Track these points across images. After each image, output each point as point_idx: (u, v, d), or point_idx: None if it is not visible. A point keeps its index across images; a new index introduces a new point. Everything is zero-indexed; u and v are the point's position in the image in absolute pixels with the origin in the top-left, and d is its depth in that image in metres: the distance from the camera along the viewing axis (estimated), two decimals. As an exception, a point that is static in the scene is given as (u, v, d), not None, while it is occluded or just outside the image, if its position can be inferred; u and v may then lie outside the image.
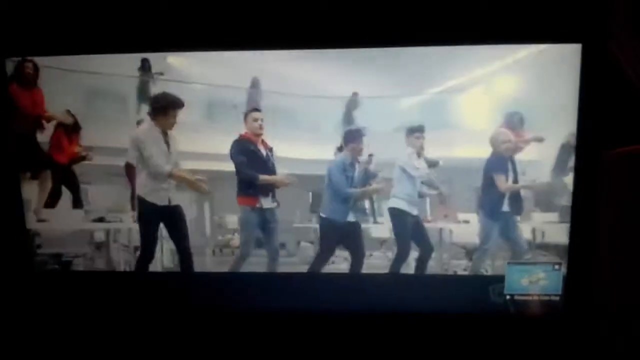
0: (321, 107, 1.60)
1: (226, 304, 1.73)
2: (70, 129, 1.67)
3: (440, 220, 1.79)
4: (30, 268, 1.72)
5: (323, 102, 1.59)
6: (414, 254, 1.76)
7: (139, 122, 1.69)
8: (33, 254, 1.72)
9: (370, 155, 1.72)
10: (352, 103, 1.59)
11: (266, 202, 1.75)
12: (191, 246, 1.74)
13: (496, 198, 1.69)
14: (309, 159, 1.72)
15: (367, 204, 1.85)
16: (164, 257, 1.77)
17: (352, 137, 1.69)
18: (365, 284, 1.71)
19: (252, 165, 1.71)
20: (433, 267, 1.75)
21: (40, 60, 1.60)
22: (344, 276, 1.74)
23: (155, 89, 1.62)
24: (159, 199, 1.72)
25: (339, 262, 1.78)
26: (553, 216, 1.61)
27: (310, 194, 1.82)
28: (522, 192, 1.68)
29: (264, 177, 1.72)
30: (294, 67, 1.58)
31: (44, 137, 1.69)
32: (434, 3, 1.47)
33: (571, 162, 1.53)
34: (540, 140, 1.57)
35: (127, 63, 1.59)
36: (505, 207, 1.70)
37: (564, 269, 1.60)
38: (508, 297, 1.64)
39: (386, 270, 1.74)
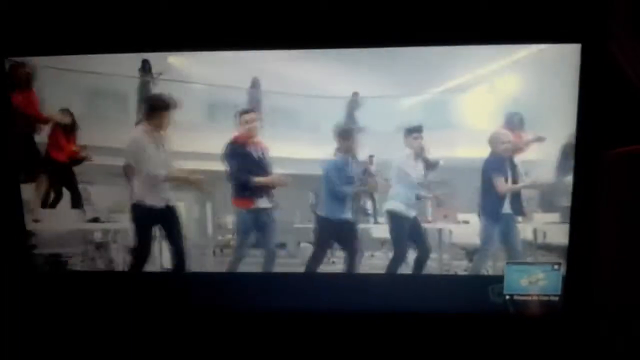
0: (322, 107, 1.60)
1: (226, 303, 1.73)
2: (68, 128, 1.67)
3: (439, 221, 1.78)
4: (28, 268, 1.72)
5: (323, 102, 1.59)
6: (412, 256, 1.75)
7: (137, 123, 1.68)
8: (29, 254, 1.71)
9: (371, 156, 1.72)
10: (353, 103, 1.59)
11: (261, 203, 1.75)
12: (193, 246, 1.74)
13: (497, 200, 1.69)
14: (309, 159, 1.72)
15: (369, 204, 1.86)
16: (163, 257, 1.76)
17: (344, 136, 1.68)
18: (365, 284, 1.70)
19: (245, 168, 1.71)
20: (433, 267, 1.75)
21: (40, 61, 1.59)
22: (343, 276, 1.74)
23: (155, 90, 1.62)
24: (155, 202, 1.72)
25: (340, 262, 1.77)
26: (554, 217, 1.61)
27: (312, 194, 1.81)
28: (524, 192, 1.68)
29: (257, 179, 1.72)
30: (295, 67, 1.58)
31: (42, 138, 1.68)
32: (434, 3, 1.47)
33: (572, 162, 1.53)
34: (541, 140, 1.57)
35: (127, 63, 1.59)
36: (507, 209, 1.70)
37: (563, 269, 1.60)
38: (507, 297, 1.64)
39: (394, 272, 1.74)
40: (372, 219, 1.84)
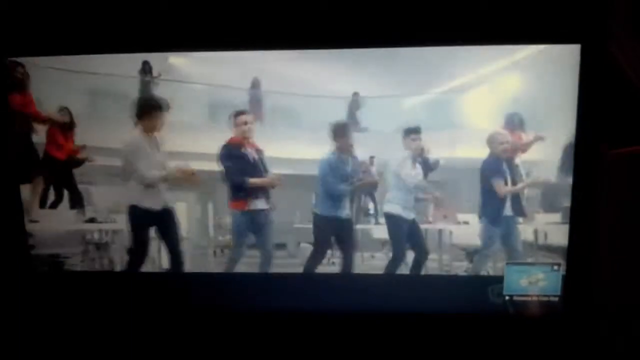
0: (322, 107, 1.60)
1: (225, 304, 1.72)
2: (66, 126, 1.67)
3: (439, 222, 1.78)
4: (26, 269, 1.71)
5: (324, 102, 1.59)
6: (411, 257, 1.75)
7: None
8: (27, 254, 1.71)
9: (372, 157, 1.72)
10: (354, 104, 1.59)
11: (257, 205, 1.75)
12: (194, 247, 1.74)
13: (497, 202, 1.69)
14: (309, 159, 1.71)
15: (370, 205, 1.86)
16: (163, 258, 1.76)
17: (339, 133, 1.68)
18: (365, 284, 1.70)
19: (240, 169, 1.71)
20: (433, 268, 1.75)
21: (41, 61, 1.59)
22: (343, 276, 1.74)
23: (156, 91, 1.62)
24: (152, 204, 1.72)
25: (340, 263, 1.77)
26: (556, 217, 1.60)
27: (315, 194, 1.81)
28: (525, 193, 1.68)
29: (252, 181, 1.72)
30: (295, 67, 1.58)
31: (39, 138, 1.68)
32: (433, 4, 1.47)
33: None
34: (541, 139, 1.57)
35: (128, 64, 1.59)
36: (507, 211, 1.70)
37: (563, 270, 1.60)
38: (507, 297, 1.64)
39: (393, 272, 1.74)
40: (373, 220, 1.84)
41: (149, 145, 1.68)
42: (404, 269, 1.73)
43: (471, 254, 1.72)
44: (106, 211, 1.74)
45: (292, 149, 1.69)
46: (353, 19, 1.49)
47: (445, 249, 1.79)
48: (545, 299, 1.62)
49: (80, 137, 1.67)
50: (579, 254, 1.56)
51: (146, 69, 1.60)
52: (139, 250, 1.73)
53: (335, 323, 1.68)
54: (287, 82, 1.59)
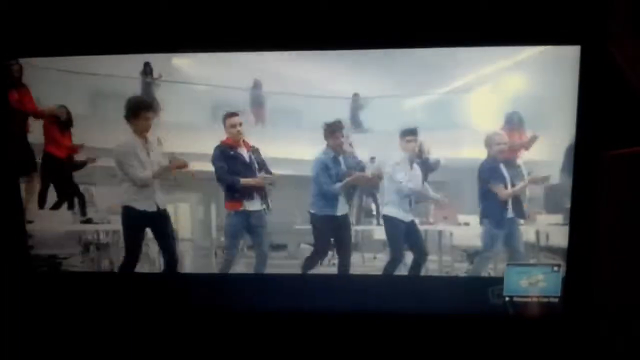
0: (323, 107, 1.60)
1: (225, 304, 1.72)
2: (63, 124, 1.67)
3: (439, 223, 1.78)
4: (27, 269, 1.71)
5: (325, 103, 1.59)
6: (409, 258, 1.75)
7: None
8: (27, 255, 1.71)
9: (372, 158, 1.72)
10: (355, 104, 1.60)
11: (251, 206, 1.76)
12: (196, 248, 1.74)
13: (499, 204, 1.69)
14: (310, 160, 1.72)
15: (372, 206, 1.86)
16: (162, 258, 1.76)
17: (331, 131, 1.68)
18: (365, 285, 1.70)
19: (233, 170, 1.71)
20: (433, 269, 1.75)
21: (41, 62, 1.59)
22: (343, 277, 1.75)
23: (158, 92, 1.62)
24: (145, 205, 1.72)
25: (337, 263, 1.77)
26: (557, 218, 1.61)
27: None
28: (527, 194, 1.68)
29: (244, 181, 1.73)
30: (296, 68, 1.59)
31: (37, 138, 1.68)
32: (433, 5, 1.48)
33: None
34: (535, 138, 1.58)
35: (129, 65, 1.59)
36: (509, 213, 1.70)
37: (563, 271, 1.60)
38: (507, 298, 1.64)
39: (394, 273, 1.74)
40: (374, 221, 1.84)
41: (140, 147, 1.69)
42: (403, 271, 1.73)
43: (472, 255, 1.72)
44: (104, 212, 1.75)
45: (292, 150, 1.70)
46: (353, 20, 1.50)
47: (445, 250, 1.79)
48: (545, 300, 1.63)
49: (81, 137, 1.68)
50: (579, 254, 1.57)
51: (147, 70, 1.61)
52: (132, 251, 1.73)
53: (334, 323, 1.68)
54: (287, 83, 1.59)
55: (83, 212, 1.75)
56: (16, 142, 1.66)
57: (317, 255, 1.77)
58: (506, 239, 1.69)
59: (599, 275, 1.51)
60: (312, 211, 1.78)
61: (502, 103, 1.55)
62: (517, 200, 1.68)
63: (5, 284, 1.70)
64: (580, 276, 1.58)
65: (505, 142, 1.61)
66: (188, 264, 1.77)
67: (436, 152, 1.67)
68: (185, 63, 1.62)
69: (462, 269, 1.74)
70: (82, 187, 1.73)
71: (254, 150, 1.71)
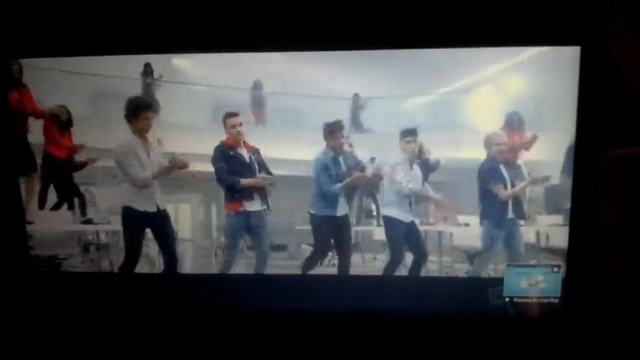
0: (324, 108, 1.60)
1: (225, 304, 1.73)
2: (63, 124, 1.67)
3: (439, 223, 1.78)
4: (27, 270, 1.71)
5: (326, 103, 1.59)
6: (409, 259, 1.75)
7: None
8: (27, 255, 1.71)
9: (373, 158, 1.72)
10: (355, 105, 1.60)
11: (251, 206, 1.76)
12: (198, 248, 1.75)
13: (499, 205, 1.69)
14: (311, 160, 1.72)
15: (372, 206, 1.86)
16: (162, 259, 1.76)
17: (330, 132, 1.68)
18: (365, 285, 1.70)
19: (233, 171, 1.72)
20: (433, 270, 1.75)
21: (42, 62, 1.59)
22: (342, 278, 1.75)
23: (159, 93, 1.62)
24: (145, 206, 1.73)
25: (337, 264, 1.77)
26: (558, 219, 1.61)
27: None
28: (528, 195, 1.67)
29: (245, 181, 1.73)
30: (297, 68, 1.59)
31: (36, 139, 1.68)
32: (433, 6, 1.48)
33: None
34: (535, 138, 1.58)
35: (129, 65, 1.59)
36: (510, 214, 1.69)
37: (563, 272, 1.61)
38: (507, 299, 1.64)
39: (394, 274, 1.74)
40: (374, 221, 1.84)
41: (140, 147, 1.69)
42: (403, 271, 1.73)
43: (472, 256, 1.72)
44: (105, 212, 1.75)
45: (293, 150, 1.69)
46: (354, 21, 1.50)
47: (445, 251, 1.79)
48: (545, 300, 1.63)
49: (82, 138, 1.68)
50: (579, 255, 1.57)
51: (147, 70, 1.61)
52: (132, 251, 1.74)
53: (334, 324, 1.68)
54: (288, 83, 1.59)
55: (83, 213, 1.75)
56: (16, 142, 1.66)
57: (317, 255, 1.77)
58: (506, 239, 1.69)
59: (599, 276, 1.52)
60: (311, 212, 1.78)
61: (502, 103, 1.55)
62: (517, 200, 1.68)
63: (5, 285, 1.70)
64: (580, 277, 1.58)
65: (504, 142, 1.61)
66: (189, 265, 1.77)
67: (436, 153, 1.67)
68: (186, 64, 1.62)
69: (462, 269, 1.74)
70: (82, 188, 1.73)
71: (254, 151, 1.71)
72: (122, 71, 1.60)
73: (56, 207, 1.72)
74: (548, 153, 1.58)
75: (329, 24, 1.51)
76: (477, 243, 1.70)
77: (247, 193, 1.75)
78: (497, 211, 1.69)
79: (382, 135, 1.65)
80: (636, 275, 1.40)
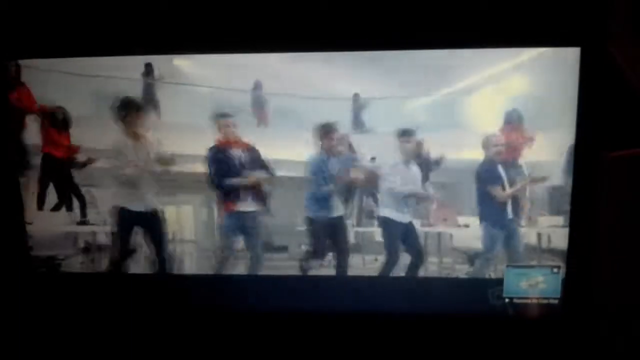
0: (325, 108, 1.60)
1: (225, 304, 1.73)
2: (61, 125, 1.66)
3: (439, 225, 1.77)
4: (26, 271, 1.71)
5: (326, 104, 1.59)
6: (406, 260, 1.75)
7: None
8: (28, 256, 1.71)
9: (373, 158, 1.72)
10: (356, 105, 1.60)
11: (245, 207, 1.75)
12: (200, 249, 1.75)
13: (498, 206, 1.69)
14: (312, 160, 1.72)
15: (374, 207, 1.86)
16: (161, 259, 1.76)
17: (323, 133, 1.67)
18: (364, 286, 1.70)
19: (226, 171, 1.71)
20: (433, 271, 1.75)
21: (42, 63, 1.59)
22: (342, 278, 1.75)
23: (159, 93, 1.63)
24: (137, 205, 1.73)
25: (334, 265, 1.78)
26: (559, 220, 1.61)
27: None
28: (528, 195, 1.67)
29: (235, 182, 1.73)
30: (297, 69, 1.60)
31: (35, 138, 1.68)
32: (433, 7, 1.49)
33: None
34: (532, 139, 1.58)
35: (130, 66, 1.59)
36: (510, 215, 1.70)
37: (562, 273, 1.61)
38: (507, 300, 1.65)
39: (394, 274, 1.73)
40: (375, 222, 1.83)
41: (131, 147, 1.69)
42: (402, 272, 1.73)
43: (472, 257, 1.72)
44: (105, 213, 1.74)
45: (293, 151, 1.69)
46: (354, 22, 1.51)
47: (445, 252, 1.79)
48: (545, 301, 1.63)
49: (82, 138, 1.68)
50: (579, 256, 1.58)
51: (148, 71, 1.61)
52: (122, 250, 1.74)
53: (333, 324, 1.68)
54: (288, 83, 1.59)
55: (83, 214, 1.74)
56: (15, 141, 1.66)
57: (314, 256, 1.76)
58: (506, 240, 1.69)
59: (599, 276, 1.52)
60: (306, 213, 1.77)
61: (502, 104, 1.56)
62: (516, 201, 1.69)
63: (4, 285, 1.70)
64: (580, 277, 1.58)
65: (502, 143, 1.62)
66: (190, 265, 1.77)
67: (436, 154, 1.67)
68: (186, 64, 1.62)
69: (462, 270, 1.74)
70: (84, 189, 1.72)
71: (250, 150, 1.70)
72: (122, 72, 1.60)
73: (56, 207, 1.72)
74: (548, 154, 1.58)
75: (329, 25, 1.51)
76: (477, 244, 1.70)
77: (240, 194, 1.75)
78: (496, 212, 1.69)
79: (382, 135, 1.65)
80: (636, 275, 1.40)
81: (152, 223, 1.74)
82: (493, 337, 1.65)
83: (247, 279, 1.75)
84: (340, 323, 1.68)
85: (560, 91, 1.50)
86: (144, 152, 1.69)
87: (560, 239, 1.60)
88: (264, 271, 1.74)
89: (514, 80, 1.54)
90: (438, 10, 1.48)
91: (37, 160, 1.68)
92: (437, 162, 1.68)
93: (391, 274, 1.73)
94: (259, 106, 1.62)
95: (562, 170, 1.56)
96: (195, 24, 1.53)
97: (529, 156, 1.62)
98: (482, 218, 1.69)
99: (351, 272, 1.75)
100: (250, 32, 1.53)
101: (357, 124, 1.63)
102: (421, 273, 1.73)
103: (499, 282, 1.65)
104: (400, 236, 1.77)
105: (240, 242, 1.78)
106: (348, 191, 1.78)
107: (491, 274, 1.68)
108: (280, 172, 1.70)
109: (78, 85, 1.60)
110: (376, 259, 1.76)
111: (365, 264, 1.78)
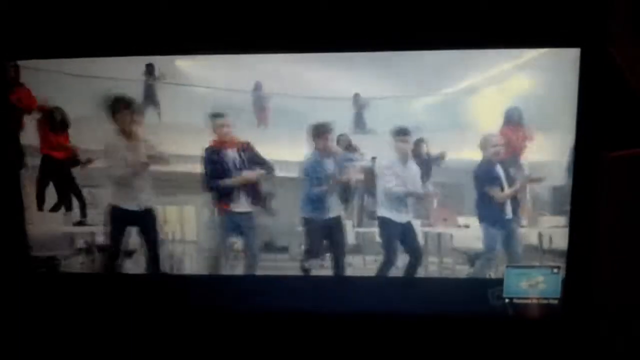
0: (325, 108, 1.60)
1: (225, 305, 1.73)
2: (58, 125, 1.66)
3: (439, 224, 1.77)
4: (26, 271, 1.71)
5: (327, 104, 1.60)
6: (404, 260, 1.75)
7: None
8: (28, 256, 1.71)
9: (374, 158, 1.72)
10: (356, 105, 1.60)
11: (239, 207, 1.76)
12: (201, 250, 1.75)
13: (497, 206, 1.69)
14: (312, 161, 1.72)
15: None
16: (161, 259, 1.76)
17: (317, 133, 1.67)
18: (364, 286, 1.70)
19: (220, 172, 1.71)
20: (433, 272, 1.75)
21: (42, 64, 1.59)
22: (341, 279, 1.75)
23: (160, 94, 1.63)
24: (131, 204, 1.73)
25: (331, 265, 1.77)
26: (560, 220, 1.61)
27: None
28: (528, 195, 1.68)
29: (228, 182, 1.73)
30: (298, 69, 1.60)
31: (31, 138, 1.67)
32: (434, 7, 1.49)
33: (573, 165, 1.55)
34: (530, 140, 1.58)
35: (130, 67, 1.59)
36: (509, 214, 1.70)
37: (562, 273, 1.61)
38: (507, 300, 1.65)
39: (394, 275, 1.73)
40: (376, 222, 1.83)
41: (124, 147, 1.69)
42: (400, 272, 1.73)
43: (472, 258, 1.72)
44: (106, 214, 1.74)
45: (294, 151, 1.68)
46: (354, 22, 1.51)
47: (445, 253, 1.79)
48: (545, 301, 1.63)
49: (82, 139, 1.68)
50: (579, 256, 1.58)
51: (149, 71, 1.61)
52: (117, 250, 1.74)
53: (333, 324, 1.68)
54: (289, 84, 1.59)
55: (83, 214, 1.74)
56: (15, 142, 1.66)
57: (310, 257, 1.76)
58: (506, 240, 1.69)
59: (599, 276, 1.52)
60: (301, 214, 1.77)
61: (502, 105, 1.56)
62: (516, 201, 1.69)
63: (5, 285, 1.70)
64: (580, 277, 1.58)
65: (500, 143, 1.62)
66: (188, 266, 1.76)
67: (437, 150, 1.67)
68: (186, 65, 1.62)
69: (463, 271, 1.74)
70: (85, 190, 1.72)
71: (246, 148, 1.70)
72: (123, 73, 1.60)
73: (56, 208, 1.72)
74: (548, 154, 1.58)
75: (329, 25, 1.51)
76: (477, 245, 1.70)
77: (235, 195, 1.75)
78: (495, 212, 1.69)
79: (383, 135, 1.65)
80: (636, 275, 1.41)
81: (147, 222, 1.74)
82: (493, 337, 1.65)
83: (247, 279, 1.75)
84: (340, 323, 1.68)
85: (561, 91, 1.51)
86: (136, 151, 1.69)
87: (561, 239, 1.60)
88: (264, 271, 1.74)
89: (514, 81, 1.54)
90: (438, 11, 1.48)
91: (36, 161, 1.68)
92: (439, 159, 1.67)
93: (389, 274, 1.73)
94: (259, 106, 1.62)
95: (563, 170, 1.56)
96: (195, 25, 1.53)
97: (528, 156, 1.62)
98: (482, 218, 1.69)
99: (352, 272, 1.75)
100: (250, 33, 1.53)
101: (358, 124, 1.63)
102: (421, 273, 1.73)
103: (499, 282, 1.65)
104: (399, 236, 1.77)
105: (236, 243, 1.77)
106: (347, 191, 1.78)
107: (491, 274, 1.68)
108: (280, 173, 1.70)
109: (77, 85, 1.59)
110: (376, 260, 1.76)
111: (365, 265, 1.78)
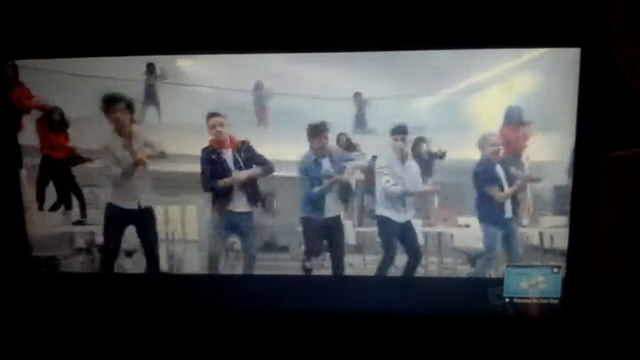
0: (325, 108, 1.60)
1: (225, 304, 1.73)
2: (57, 126, 1.66)
3: (439, 224, 1.76)
4: (26, 271, 1.71)
5: (327, 104, 1.59)
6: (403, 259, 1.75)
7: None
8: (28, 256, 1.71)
9: (374, 157, 1.72)
10: (357, 105, 1.60)
11: (236, 207, 1.75)
12: (201, 249, 1.75)
13: (497, 207, 1.69)
14: (313, 161, 1.72)
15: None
16: (161, 259, 1.76)
17: (315, 133, 1.67)
18: (364, 286, 1.70)
19: (216, 172, 1.71)
20: (433, 272, 1.75)
21: (42, 64, 1.59)
22: (341, 278, 1.74)
23: (161, 94, 1.62)
24: (128, 203, 1.73)
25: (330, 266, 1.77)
26: (561, 220, 1.61)
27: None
28: (528, 195, 1.67)
29: (224, 182, 1.72)
30: (298, 69, 1.60)
31: (30, 139, 1.67)
32: (434, 7, 1.49)
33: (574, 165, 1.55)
34: (529, 139, 1.58)
35: (130, 67, 1.59)
36: (508, 214, 1.69)
37: (563, 273, 1.61)
38: (507, 300, 1.65)
39: (394, 274, 1.73)
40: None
41: (119, 146, 1.68)
42: (399, 272, 1.73)
43: (473, 257, 1.72)
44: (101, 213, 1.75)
45: (294, 151, 1.68)
46: (355, 22, 1.51)
47: (445, 253, 1.78)
48: (545, 301, 1.63)
49: (82, 139, 1.67)
50: (579, 256, 1.58)
51: (150, 71, 1.61)
52: (112, 248, 1.74)
53: (332, 324, 1.69)
54: (289, 84, 1.59)
55: (83, 214, 1.74)
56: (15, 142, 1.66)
57: (310, 257, 1.76)
58: (506, 240, 1.68)
59: (599, 276, 1.53)
60: (300, 214, 1.77)
61: (502, 104, 1.56)
62: (516, 201, 1.68)
63: (5, 285, 1.70)
64: (580, 277, 1.58)
65: (499, 143, 1.61)
66: (188, 265, 1.77)
67: (439, 148, 1.66)
68: (187, 65, 1.61)
69: (464, 271, 1.73)
70: (87, 190, 1.72)
71: (244, 147, 1.70)
72: (123, 73, 1.60)
73: (56, 207, 1.72)
74: (548, 154, 1.58)
75: (329, 25, 1.51)
76: (478, 244, 1.70)
77: (232, 194, 1.74)
78: (495, 212, 1.68)
79: (384, 135, 1.65)
80: (636, 275, 1.41)
81: (146, 222, 1.74)
82: (493, 337, 1.65)
83: (246, 279, 1.75)
84: (340, 323, 1.68)
85: (561, 91, 1.51)
86: (134, 150, 1.69)
87: (561, 239, 1.60)
88: (264, 271, 1.74)
89: (514, 81, 1.53)
90: (438, 11, 1.48)
91: (36, 161, 1.68)
92: (440, 156, 1.66)
93: (389, 274, 1.73)
94: (259, 106, 1.62)
95: (563, 170, 1.56)
96: (196, 24, 1.53)
97: (528, 156, 1.62)
98: (482, 218, 1.69)
99: (352, 272, 1.74)
100: (251, 32, 1.53)
101: (358, 123, 1.63)
102: (421, 273, 1.73)
103: (499, 281, 1.65)
104: (398, 235, 1.76)
105: (236, 243, 1.77)
106: (347, 191, 1.77)
107: (491, 273, 1.68)
108: (280, 172, 1.70)
109: (77, 85, 1.60)
110: (377, 260, 1.76)
111: (366, 264, 1.77)
